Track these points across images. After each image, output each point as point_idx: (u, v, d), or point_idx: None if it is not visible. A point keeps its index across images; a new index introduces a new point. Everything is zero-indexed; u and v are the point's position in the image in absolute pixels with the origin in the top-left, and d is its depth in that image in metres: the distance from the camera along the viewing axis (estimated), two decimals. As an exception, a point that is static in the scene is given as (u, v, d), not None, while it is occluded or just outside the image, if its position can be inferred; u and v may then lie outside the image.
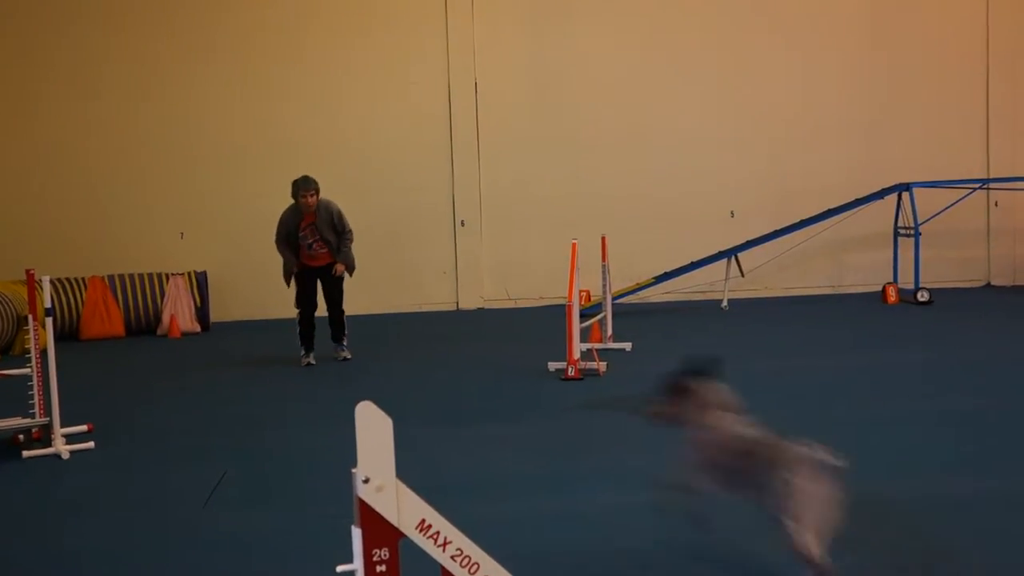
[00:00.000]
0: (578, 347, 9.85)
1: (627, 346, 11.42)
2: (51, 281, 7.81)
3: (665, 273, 15.12)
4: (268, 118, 16.05)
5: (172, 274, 14.98)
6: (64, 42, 15.90)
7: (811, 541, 4.12)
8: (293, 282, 11.45)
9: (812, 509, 4.18)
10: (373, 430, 2.59)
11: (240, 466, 7.00)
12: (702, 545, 5.04)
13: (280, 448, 7.49)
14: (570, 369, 9.68)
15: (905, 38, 16.58)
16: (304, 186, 11.18)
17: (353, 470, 2.56)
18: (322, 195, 11.35)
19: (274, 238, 11.35)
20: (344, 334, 11.61)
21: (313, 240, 11.23)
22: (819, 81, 16.49)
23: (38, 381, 7.77)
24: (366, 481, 2.59)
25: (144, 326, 14.78)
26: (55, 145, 15.91)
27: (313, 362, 11.32)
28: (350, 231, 11.38)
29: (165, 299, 14.78)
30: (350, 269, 11.49)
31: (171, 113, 16.00)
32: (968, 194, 15.43)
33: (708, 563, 4.81)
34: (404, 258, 16.07)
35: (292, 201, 11.33)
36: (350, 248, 11.39)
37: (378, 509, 2.59)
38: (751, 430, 4.73)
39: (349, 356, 11.53)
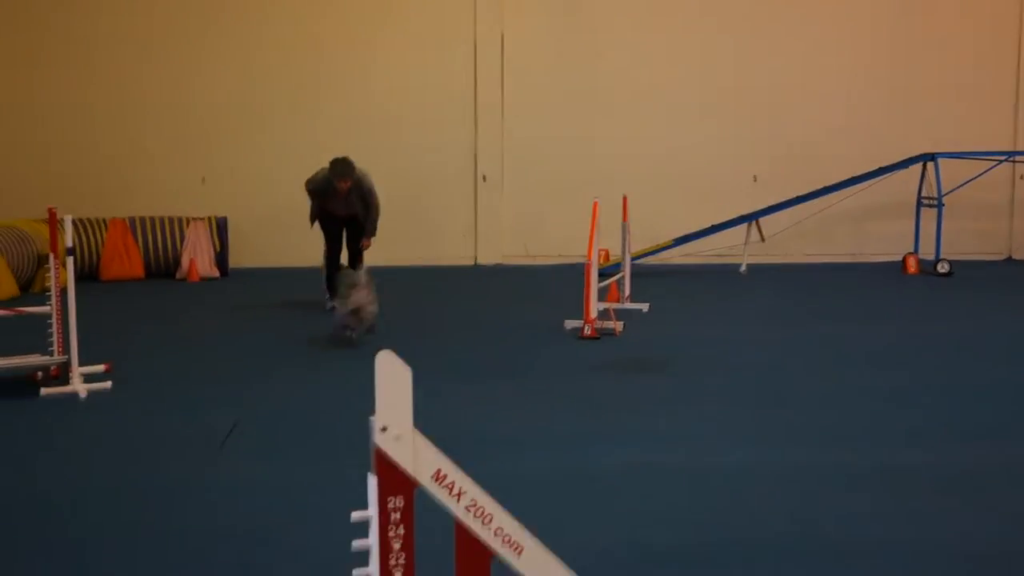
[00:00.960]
0: (595, 306, 9.85)
1: (644, 307, 11.41)
2: (73, 221, 7.80)
3: (685, 235, 15.09)
4: (292, 67, 16.01)
5: (192, 219, 15.01)
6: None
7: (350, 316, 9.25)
8: (319, 227, 11.44)
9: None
10: (392, 379, 2.58)
11: (255, 412, 7.03)
12: (713, 509, 5.05)
13: (294, 396, 7.52)
14: (587, 328, 9.67)
15: (934, 5, 16.40)
16: (340, 174, 11.06)
17: (371, 418, 2.56)
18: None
19: (306, 185, 11.34)
20: (362, 260, 11.49)
21: (345, 211, 11.26)
22: (845, 47, 16.34)
23: (57, 320, 7.81)
24: (384, 430, 2.58)
25: (163, 269, 14.84)
26: (79, 87, 15.90)
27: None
28: (378, 206, 11.33)
29: (185, 243, 14.83)
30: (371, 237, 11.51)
31: (195, 57, 15.98)
32: (994, 166, 15.31)
33: (716, 525, 4.82)
34: (424, 212, 16.05)
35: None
36: (376, 221, 11.37)
37: (395, 458, 2.59)
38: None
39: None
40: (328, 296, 11.42)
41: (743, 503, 5.12)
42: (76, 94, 15.90)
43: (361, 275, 9.62)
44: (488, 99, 16.21)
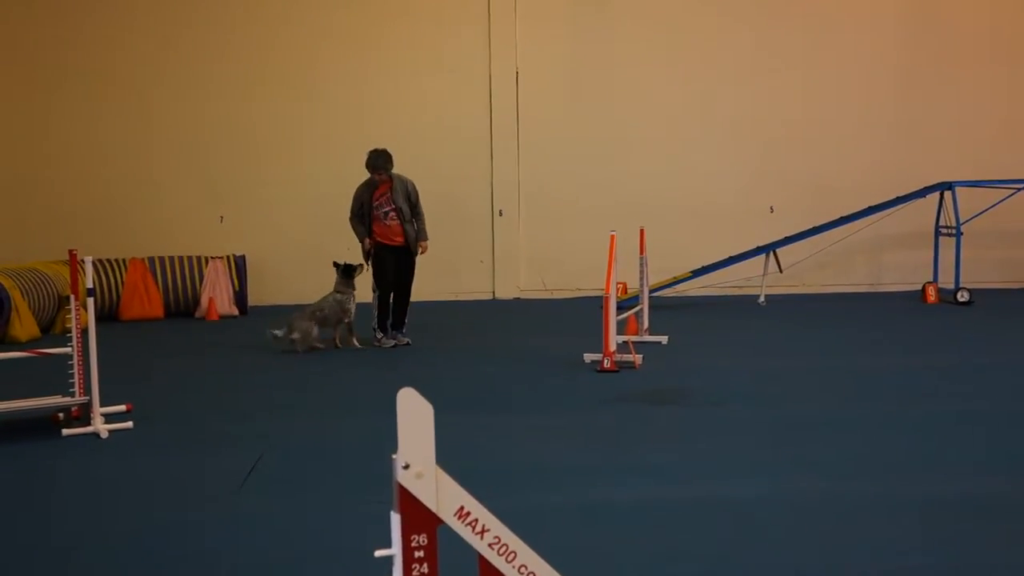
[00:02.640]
0: (614, 339, 9.84)
1: (663, 339, 11.40)
2: (93, 262, 7.85)
3: (703, 267, 15.08)
4: (307, 105, 16.14)
5: (211, 257, 15.08)
6: (109, 26, 16.02)
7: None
8: (369, 264, 11.65)
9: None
10: (414, 417, 2.59)
11: (276, 450, 7.03)
12: (733, 542, 5.02)
13: (316, 433, 7.52)
14: (606, 361, 9.66)
15: (948, 34, 16.42)
16: (377, 164, 11.37)
17: (393, 456, 2.57)
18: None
19: (349, 214, 11.56)
20: (405, 321, 11.80)
21: (389, 208, 11.43)
22: (860, 77, 16.36)
23: (78, 360, 7.84)
24: (406, 467, 2.59)
25: (183, 308, 14.91)
26: (96, 129, 16.05)
27: (390, 344, 11.57)
28: (422, 211, 11.66)
29: (204, 282, 14.90)
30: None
31: (212, 98, 16.12)
32: (1011, 194, 15.26)
33: (737, 559, 4.79)
34: (442, 246, 16.07)
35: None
36: (424, 223, 11.66)
37: (417, 495, 2.60)
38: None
39: (409, 341, 11.70)
40: (382, 334, 11.65)
41: (765, 536, 5.09)
42: (92, 136, 16.06)
43: (306, 311, 11.48)
44: (504, 134, 16.28)
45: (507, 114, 16.28)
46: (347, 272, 11.56)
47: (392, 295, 11.74)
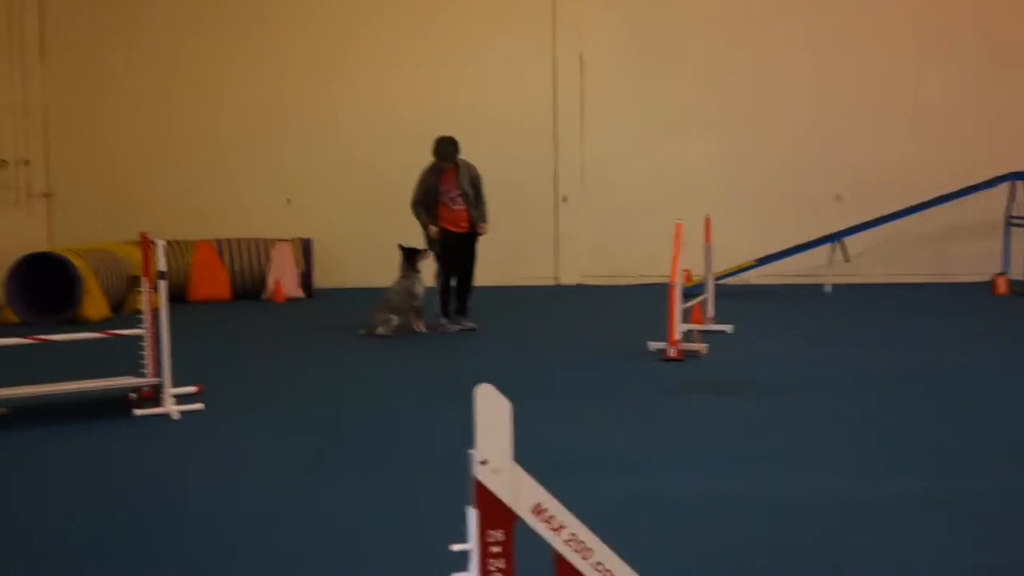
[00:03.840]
0: (679, 328, 9.78)
1: (728, 328, 11.31)
2: (165, 244, 7.94)
3: (768, 255, 14.94)
4: (374, 88, 16.22)
5: (278, 240, 15.20)
6: (180, 10, 16.19)
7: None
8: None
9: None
10: (492, 413, 2.58)
11: (345, 435, 7.07)
12: (795, 538, 4.96)
13: (385, 419, 7.54)
14: (671, 350, 9.60)
15: (1020, 18, 16.07)
16: (442, 150, 11.45)
17: (471, 451, 2.56)
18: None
19: (412, 199, 11.58)
20: (468, 306, 11.86)
21: (456, 193, 11.50)
22: (930, 63, 16.06)
23: (150, 342, 7.93)
24: (484, 463, 2.58)
25: (250, 290, 15.05)
26: (166, 113, 16.25)
27: (454, 328, 11.63)
28: (484, 197, 11.76)
29: (270, 264, 15.01)
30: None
31: (280, 81, 16.25)
32: (1086, 185, 14.95)
33: (801, 557, 4.73)
34: (505, 233, 16.02)
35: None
36: (486, 205, 11.75)
37: (495, 491, 2.59)
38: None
39: (474, 326, 11.75)
40: (442, 317, 11.70)
41: (833, 535, 5.01)
42: (162, 119, 16.26)
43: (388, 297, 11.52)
44: (568, 120, 16.23)
45: (571, 100, 16.22)
46: (411, 256, 11.57)
47: (456, 280, 11.78)
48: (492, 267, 15.84)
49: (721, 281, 14.14)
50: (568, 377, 9.01)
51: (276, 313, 13.73)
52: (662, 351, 9.74)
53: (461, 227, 11.59)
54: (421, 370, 9.50)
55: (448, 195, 11.50)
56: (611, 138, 16.22)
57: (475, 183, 11.62)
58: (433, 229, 11.49)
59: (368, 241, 15.77)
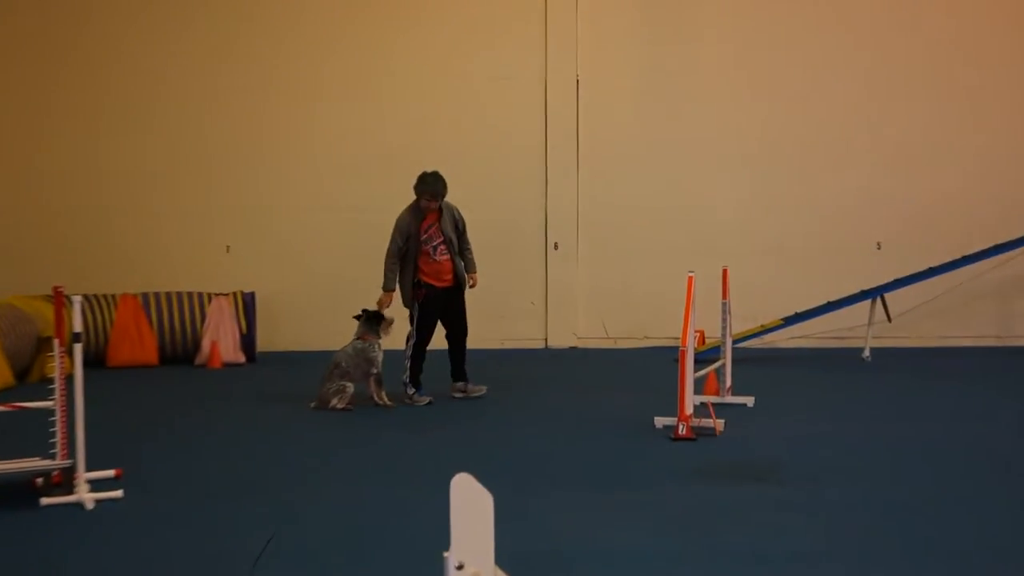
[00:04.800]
0: (691, 400, 9.76)
1: (748, 401, 11.30)
2: (82, 300, 7.91)
3: (796, 314, 14.97)
4: (328, 120, 16.30)
5: (215, 294, 15.17)
6: (102, 38, 16.28)
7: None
8: (416, 307, 11.70)
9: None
10: (470, 507, 2.57)
11: (293, 526, 7.01)
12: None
13: (339, 507, 7.49)
14: (681, 427, 9.58)
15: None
16: (432, 188, 11.56)
17: (445, 554, 2.54)
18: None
19: (388, 248, 11.62)
20: (465, 368, 12.03)
21: (439, 241, 11.62)
22: (984, 94, 16.22)
23: (62, 417, 7.87)
24: (460, 567, 2.56)
25: (181, 353, 15.01)
26: (85, 149, 16.29)
27: (425, 401, 11.65)
28: (469, 242, 11.95)
29: (206, 323, 14.99)
30: None
31: (220, 112, 16.28)
32: None
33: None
34: (486, 285, 16.01)
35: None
36: (472, 256, 11.93)
37: (472, 602, 2.57)
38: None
39: (484, 389, 11.99)
40: (416, 390, 11.69)
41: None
42: (80, 157, 16.31)
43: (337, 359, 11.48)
44: (561, 154, 16.31)
45: (565, 130, 16.31)
46: (373, 321, 11.52)
47: (449, 341, 11.90)
48: (470, 327, 15.90)
49: (741, 345, 14.17)
50: (561, 460, 8.97)
51: (212, 381, 13.67)
52: (671, 428, 9.72)
53: (445, 280, 11.69)
54: (387, 451, 9.45)
55: (431, 243, 11.59)
56: (611, 175, 16.29)
57: (459, 227, 11.76)
58: (384, 299, 11.57)
59: (322, 296, 15.79)
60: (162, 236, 16.26)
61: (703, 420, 9.88)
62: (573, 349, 16.20)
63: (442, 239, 11.61)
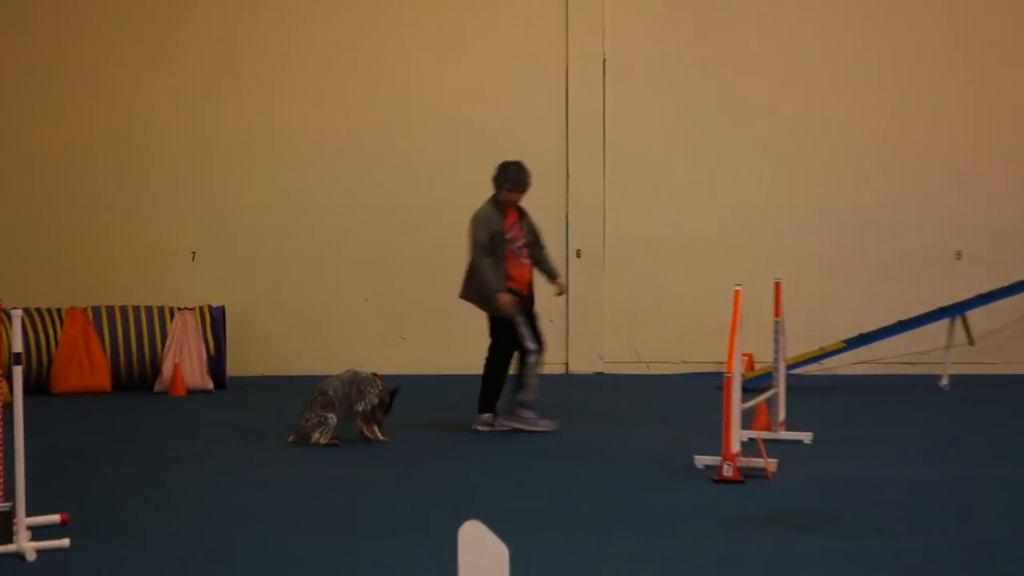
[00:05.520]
0: (738, 436, 9.74)
1: (805, 437, 11.28)
2: (22, 315, 7.90)
3: (861, 335, 14.94)
4: (315, 105, 16.28)
5: (178, 308, 15.16)
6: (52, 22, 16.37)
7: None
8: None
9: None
10: (481, 561, 2.57)
11: (267, 583, 7.03)
12: None
13: (328, 563, 7.50)
14: (727, 467, 9.56)
15: None
16: (518, 178, 11.89)
17: (451, 616, 2.54)
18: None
19: (475, 253, 11.79)
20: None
21: (522, 243, 11.93)
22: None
23: (-2, 452, 7.89)
24: (469, 631, 2.57)
25: (138, 378, 15.00)
26: (19, 131, 16.27)
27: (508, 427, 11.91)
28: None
29: (168, 342, 14.98)
30: None
31: (185, 93, 16.29)
32: None
33: None
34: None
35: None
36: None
37: (484, 673, 2.57)
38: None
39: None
40: (492, 414, 11.94)
41: None
42: (16, 140, 16.27)
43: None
44: (584, 146, 16.29)
45: (589, 118, 16.29)
46: (388, 403, 11.56)
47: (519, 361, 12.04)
48: (473, 351, 15.88)
49: (796, 371, 14.14)
50: (585, 504, 8.96)
51: (175, 411, 13.67)
52: (715, 468, 9.71)
53: (526, 288, 11.96)
54: (380, 492, 9.43)
55: (515, 244, 11.84)
56: (644, 170, 16.28)
57: (534, 228, 12.08)
58: (505, 299, 11.63)
59: (305, 311, 15.80)
60: (116, 239, 16.25)
61: (752, 459, 9.88)
62: (599, 375, 16.18)
63: (525, 241, 11.91)
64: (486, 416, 11.96)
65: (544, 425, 11.85)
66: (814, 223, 16.13)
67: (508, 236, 11.78)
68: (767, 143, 16.23)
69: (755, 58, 16.27)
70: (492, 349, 12.02)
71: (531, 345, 11.83)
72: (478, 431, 11.90)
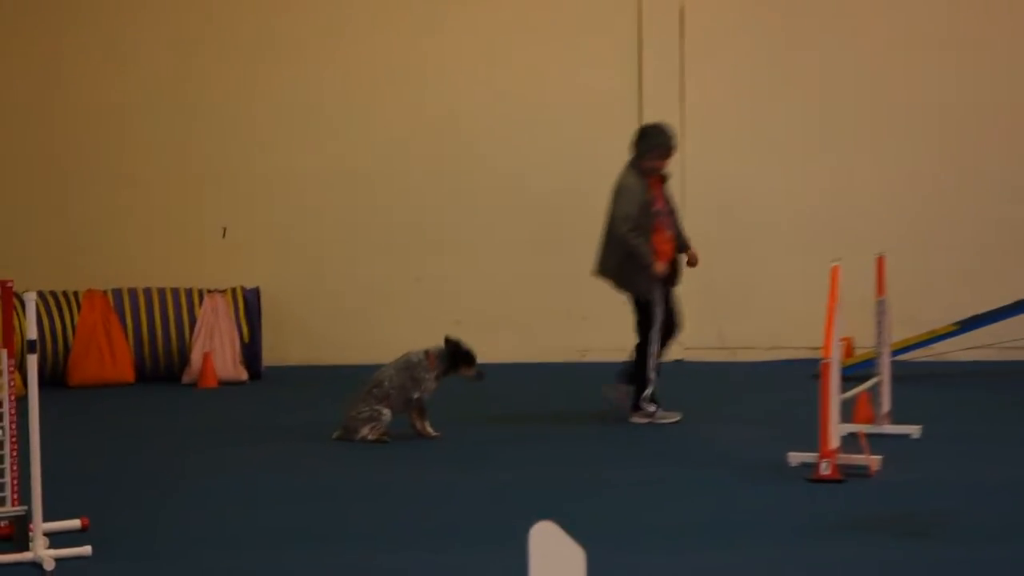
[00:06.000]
0: (837, 430, 9.71)
1: (913, 431, 11.23)
2: (36, 299, 7.95)
3: (975, 317, 14.84)
4: (356, 72, 16.26)
5: (208, 291, 15.22)
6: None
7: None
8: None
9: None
10: (555, 565, 2.57)
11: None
12: None
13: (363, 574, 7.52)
14: (824, 465, 9.52)
15: None
16: (665, 143, 12.13)
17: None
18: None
19: (625, 226, 11.94)
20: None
21: (667, 212, 12.18)
22: None
23: (12, 451, 7.93)
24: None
25: (164, 369, 15.08)
26: (37, 94, 16.36)
27: (675, 418, 12.08)
28: None
29: (197, 329, 15.02)
30: None
31: (217, 51, 16.32)
32: None
33: None
34: (558, 277, 16.01)
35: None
36: None
37: None
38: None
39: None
40: (658, 405, 12.04)
41: None
42: (34, 103, 16.36)
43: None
44: (659, 109, 16.18)
45: (665, 77, 16.23)
46: (456, 359, 11.57)
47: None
48: (531, 336, 15.87)
49: (901, 356, 14.07)
50: (668, 507, 8.97)
51: (205, 404, 13.73)
52: (811, 467, 9.68)
53: (668, 264, 12.10)
54: (434, 496, 9.45)
55: (660, 216, 12.01)
56: (727, 138, 16.21)
57: (671, 196, 12.35)
58: (661, 266, 11.89)
59: (348, 293, 15.80)
60: (138, 215, 16.29)
61: (852, 456, 9.84)
62: (679, 363, 16.11)
63: (670, 211, 12.14)
64: (649, 408, 12.03)
65: (671, 416, 12.04)
66: (921, 190, 16.02)
67: (654, 209, 11.94)
68: (867, 112, 16.10)
69: (862, 16, 16.15)
70: (641, 332, 12.15)
71: (654, 332, 12.04)
72: (636, 423, 12.00)
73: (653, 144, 11.99)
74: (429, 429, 11.50)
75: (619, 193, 12.00)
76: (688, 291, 15.96)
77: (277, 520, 8.76)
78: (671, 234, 12.11)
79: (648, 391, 12.01)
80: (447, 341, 11.59)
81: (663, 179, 12.16)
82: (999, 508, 8.78)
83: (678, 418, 12.03)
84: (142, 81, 16.34)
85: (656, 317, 12.01)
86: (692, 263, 12.34)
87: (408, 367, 11.45)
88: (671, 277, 12.20)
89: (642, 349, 12.10)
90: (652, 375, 12.05)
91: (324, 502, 9.30)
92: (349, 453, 11.01)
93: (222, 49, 16.34)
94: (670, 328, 12.35)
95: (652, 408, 11.99)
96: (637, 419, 11.99)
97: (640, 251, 11.85)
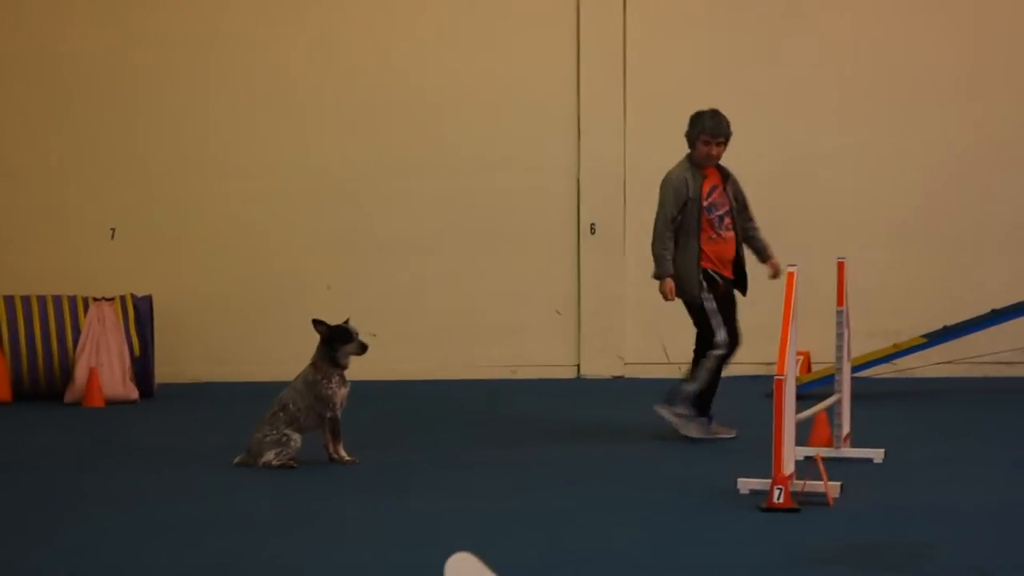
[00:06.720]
0: (792, 454, 9.81)
1: (875, 455, 11.34)
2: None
3: (945, 328, 14.97)
4: (280, 46, 16.27)
5: (94, 299, 15.16)
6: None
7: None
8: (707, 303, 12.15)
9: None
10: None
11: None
12: None
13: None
14: (777, 493, 9.62)
15: None
16: (717, 126, 12.14)
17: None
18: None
19: (656, 220, 12.12)
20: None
21: (724, 211, 12.10)
22: None
23: None
24: None
25: (44, 386, 15.01)
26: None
27: (730, 434, 12.22)
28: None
29: (81, 341, 14.97)
30: None
31: (103, 33, 16.30)
32: None
33: None
34: (491, 286, 16.07)
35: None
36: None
37: None
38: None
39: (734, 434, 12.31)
40: (708, 419, 12.22)
41: None
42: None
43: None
44: (599, 93, 16.30)
45: (607, 58, 16.30)
46: (335, 338, 11.45)
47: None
48: (466, 349, 15.92)
49: (863, 373, 14.19)
50: (607, 536, 8.97)
51: (90, 426, 13.67)
52: (763, 495, 9.77)
53: (726, 268, 12.13)
54: (353, 529, 9.48)
55: (715, 213, 12.02)
56: (672, 125, 16.19)
57: (740, 193, 12.32)
58: (667, 285, 11.98)
59: (251, 301, 15.80)
60: (15, 212, 16.24)
61: (809, 482, 9.94)
62: (618, 380, 16.20)
63: (728, 207, 12.07)
64: (702, 421, 12.14)
65: (696, 430, 12.05)
66: (887, 189, 16.16)
67: (706, 203, 11.95)
68: (825, 90, 16.25)
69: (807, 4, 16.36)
70: (699, 339, 12.32)
71: (720, 334, 12.11)
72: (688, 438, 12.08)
73: (701, 127, 12.06)
74: (343, 453, 11.51)
75: (663, 186, 12.11)
76: (630, 300, 16.15)
77: (173, 557, 8.77)
78: (729, 235, 12.10)
79: (692, 387, 12.11)
80: (315, 325, 11.44)
81: (723, 173, 12.21)
82: (970, 538, 8.86)
83: (733, 434, 12.16)
84: (11, 59, 16.28)
85: (716, 327, 12.08)
86: (773, 275, 12.25)
87: (308, 386, 11.40)
88: (739, 284, 12.26)
89: (712, 360, 12.19)
90: (705, 376, 12.14)
91: (229, 535, 9.29)
92: (253, 480, 10.98)
93: (98, 37, 16.29)
94: (733, 343, 12.34)
95: (684, 411, 12.06)
96: (662, 412, 12.09)
97: (659, 254, 11.95)
